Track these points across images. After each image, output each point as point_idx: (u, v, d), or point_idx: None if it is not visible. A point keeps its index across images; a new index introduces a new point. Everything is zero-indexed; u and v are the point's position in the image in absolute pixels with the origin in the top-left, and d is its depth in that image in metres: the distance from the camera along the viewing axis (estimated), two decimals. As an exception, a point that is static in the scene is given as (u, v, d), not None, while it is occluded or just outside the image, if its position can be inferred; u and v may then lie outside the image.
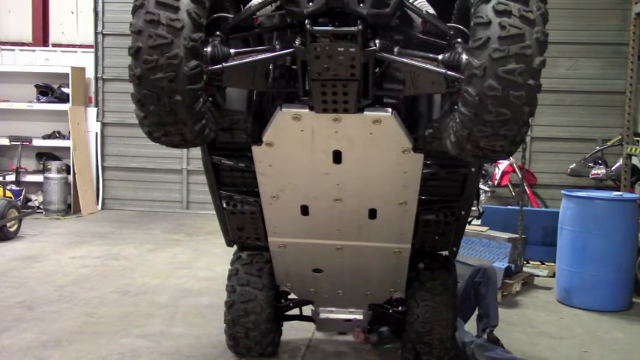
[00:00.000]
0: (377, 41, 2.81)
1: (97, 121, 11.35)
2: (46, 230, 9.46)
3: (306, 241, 4.05)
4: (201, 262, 7.74)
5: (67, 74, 10.79)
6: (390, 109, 3.21)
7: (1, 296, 6.17)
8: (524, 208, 7.54)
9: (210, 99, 2.97)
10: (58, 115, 10.90)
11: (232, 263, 4.61)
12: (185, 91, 2.63)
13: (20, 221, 8.96)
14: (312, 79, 2.88)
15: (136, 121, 2.83)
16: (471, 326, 4.94)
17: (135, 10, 2.64)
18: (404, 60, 2.87)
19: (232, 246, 4.48)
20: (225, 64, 2.84)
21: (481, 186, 9.10)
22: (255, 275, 4.48)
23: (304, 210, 3.80)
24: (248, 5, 3.06)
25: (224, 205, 4.08)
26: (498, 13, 2.50)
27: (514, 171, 9.43)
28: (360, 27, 2.71)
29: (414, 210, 3.77)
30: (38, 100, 10.95)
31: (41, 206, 10.81)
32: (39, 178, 10.87)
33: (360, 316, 4.58)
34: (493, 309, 4.85)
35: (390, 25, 2.89)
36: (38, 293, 6.28)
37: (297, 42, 2.81)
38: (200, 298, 6.29)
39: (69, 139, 10.82)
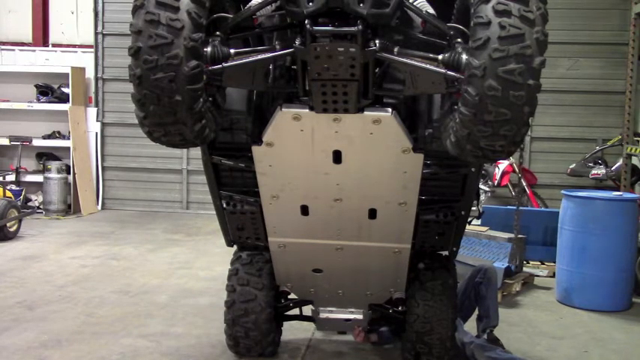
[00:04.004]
0: (377, 41, 2.81)
1: (97, 121, 11.35)
2: (46, 230, 9.46)
3: (306, 241, 4.04)
4: (201, 262, 7.74)
5: (67, 74, 10.79)
6: (390, 109, 3.21)
7: (1, 296, 6.17)
8: (523, 208, 7.53)
9: (210, 99, 2.96)
10: (58, 115, 10.90)
11: (232, 263, 4.61)
12: (185, 91, 2.63)
13: (20, 221, 8.95)
14: (312, 79, 2.88)
15: (136, 121, 2.83)
16: (470, 326, 4.94)
17: (135, 10, 2.64)
18: (404, 60, 2.87)
19: (232, 246, 4.48)
20: (225, 64, 2.84)
21: (481, 186, 9.10)
22: (255, 275, 4.48)
23: (304, 210, 3.80)
24: (248, 5, 3.06)
25: (224, 205, 4.08)
26: (498, 13, 2.50)
27: (514, 171, 9.43)
28: (360, 27, 2.71)
29: (414, 210, 3.77)
30: (38, 100, 10.95)
31: (41, 206, 10.81)
32: (39, 178, 10.87)
33: (360, 316, 4.58)
34: (493, 309, 4.85)
35: (390, 25, 2.89)
36: (38, 293, 6.28)
37: (297, 42, 2.81)
38: (200, 298, 6.29)
39: (69, 139, 10.82)
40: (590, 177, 9.18)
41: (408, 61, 2.86)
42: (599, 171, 9.01)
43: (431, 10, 3.04)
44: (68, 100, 10.81)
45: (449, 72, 2.76)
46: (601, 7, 10.21)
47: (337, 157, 3.44)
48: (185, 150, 10.53)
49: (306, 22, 2.73)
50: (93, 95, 11.36)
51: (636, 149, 7.97)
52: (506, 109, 2.55)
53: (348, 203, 3.71)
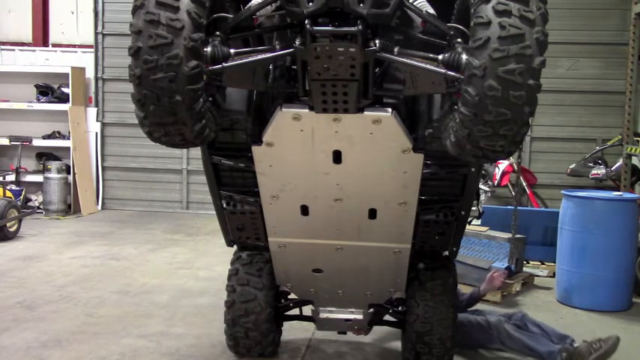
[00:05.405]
0: (377, 41, 2.81)
1: (97, 121, 11.36)
2: (46, 230, 9.46)
3: (306, 241, 4.04)
4: (201, 262, 7.75)
5: (67, 74, 10.79)
6: (390, 109, 3.21)
7: (1, 296, 6.17)
8: (522, 208, 7.53)
9: (210, 99, 2.96)
10: (58, 115, 10.90)
11: (232, 263, 4.61)
12: (185, 91, 2.63)
13: (20, 221, 8.95)
14: (312, 79, 2.88)
15: (136, 121, 2.82)
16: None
17: (135, 10, 2.63)
18: (404, 60, 2.87)
19: (232, 246, 4.48)
20: (225, 64, 2.83)
21: (481, 186, 9.10)
22: (255, 275, 4.48)
23: (304, 210, 3.80)
24: (248, 5, 3.06)
25: (224, 205, 4.08)
26: (498, 13, 2.49)
27: (514, 171, 9.43)
28: (360, 27, 2.70)
29: (414, 210, 3.77)
30: (38, 100, 10.95)
31: (41, 206, 10.81)
32: (39, 178, 10.87)
33: (360, 316, 4.58)
34: (559, 332, 4.79)
35: (390, 25, 2.89)
36: (38, 293, 6.28)
37: (297, 42, 2.80)
38: (200, 298, 6.29)
39: (69, 139, 10.83)
40: (590, 177, 9.17)
41: (408, 61, 2.86)
42: (599, 171, 9.01)
43: (431, 10, 3.04)
44: (68, 100, 10.81)
45: (449, 72, 2.76)
46: (601, 7, 10.21)
47: (337, 157, 3.43)
48: (185, 150, 10.54)
49: (306, 22, 2.73)
50: (93, 95, 11.36)
51: (636, 149, 7.96)
52: (507, 109, 2.55)
53: (348, 203, 3.70)
